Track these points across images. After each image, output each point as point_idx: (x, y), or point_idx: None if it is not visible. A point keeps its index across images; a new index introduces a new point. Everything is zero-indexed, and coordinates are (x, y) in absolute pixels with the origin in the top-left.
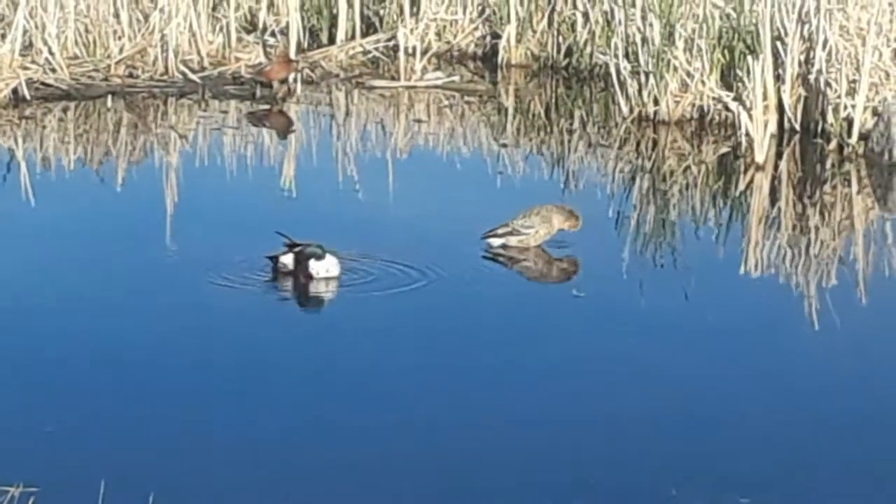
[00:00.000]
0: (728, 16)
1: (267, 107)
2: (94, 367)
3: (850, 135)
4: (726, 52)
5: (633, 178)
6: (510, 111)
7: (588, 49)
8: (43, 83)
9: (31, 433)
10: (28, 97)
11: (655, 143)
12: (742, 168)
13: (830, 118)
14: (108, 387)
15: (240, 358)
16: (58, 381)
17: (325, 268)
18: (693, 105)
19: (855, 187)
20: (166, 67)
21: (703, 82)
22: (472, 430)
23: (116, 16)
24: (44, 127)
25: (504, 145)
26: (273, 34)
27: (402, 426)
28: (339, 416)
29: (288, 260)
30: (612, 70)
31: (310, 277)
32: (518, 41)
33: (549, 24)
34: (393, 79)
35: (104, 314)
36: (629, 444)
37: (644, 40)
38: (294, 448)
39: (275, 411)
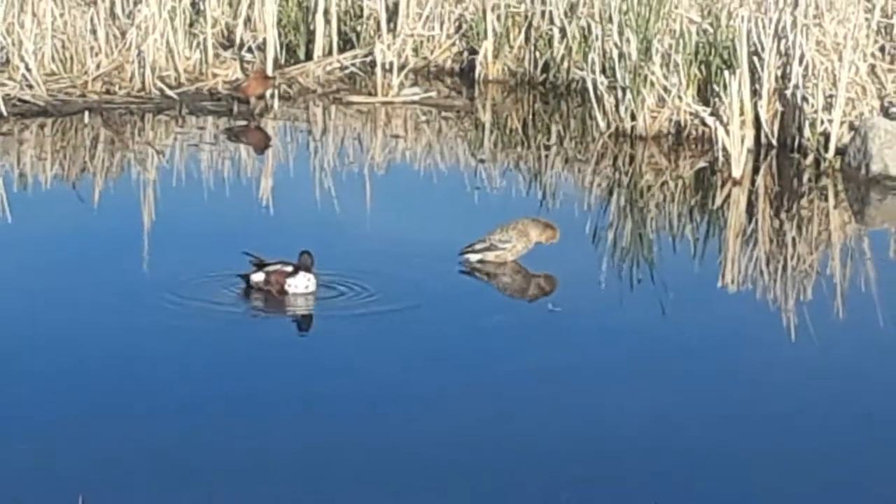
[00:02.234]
0: (705, 31)
1: (244, 123)
2: (67, 385)
3: (826, 149)
4: (703, 67)
5: (611, 193)
6: (487, 126)
7: (565, 64)
8: (20, 99)
9: (2, 449)
10: (5, 113)
11: (632, 158)
12: (719, 183)
13: (807, 133)
14: (81, 403)
15: (214, 377)
16: (30, 398)
17: (303, 283)
18: (670, 120)
19: (832, 202)
20: (143, 84)
21: (679, 97)
22: (447, 444)
23: (93, 32)
24: (21, 143)
25: (481, 161)
26: (250, 50)
27: (377, 439)
28: (318, 431)
29: (260, 278)
30: (590, 85)
31: (284, 293)
32: (495, 57)
33: (527, 39)
34: (370, 94)
35: (79, 331)
36: (604, 459)
37: (621, 56)
38: (269, 464)
39: (252, 429)
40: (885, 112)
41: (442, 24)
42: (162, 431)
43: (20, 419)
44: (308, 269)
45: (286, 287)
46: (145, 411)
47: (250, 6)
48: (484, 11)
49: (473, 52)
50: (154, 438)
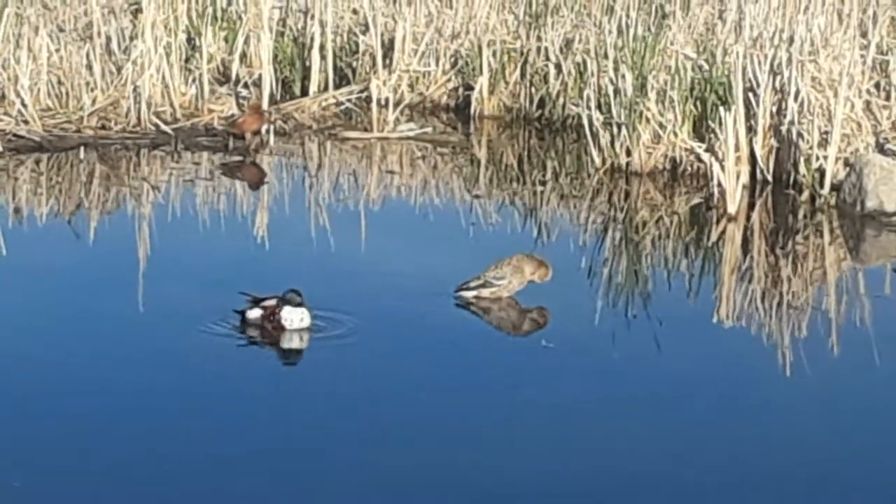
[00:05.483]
0: (700, 67)
1: (240, 158)
2: (62, 421)
3: (822, 186)
4: (698, 103)
5: (606, 229)
6: (483, 162)
7: (561, 100)
8: (15, 135)
9: None
10: (0, 149)
11: (628, 194)
12: (714, 219)
13: (802, 169)
14: (77, 440)
15: (210, 414)
16: (26, 435)
17: (298, 317)
18: (665, 156)
19: (827, 238)
20: (139, 119)
21: (675, 133)
22: (438, 480)
23: (89, 68)
24: (16, 179)
25: (477, 197)
26: (246, 86)
27: (369, 478)
28: (310, 469)
29: (255, 314)
30: (585, 121)
31: (282, 329)
32: (491, 93)
33: (522, 75)
34: (366, 130)
35: (75, 367)
36: (597, 495)
37: (616, 92)
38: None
39: (248, 467)
40: (881, 148)
41: (437, 59)
42: (159, 465)
43: (16, 455)
44: (298, 304)
45: (283, 322)
46: (141, 446)
47: (246, 42)
48: (479, 47)
49: (469, 87)
50: (148, 473)
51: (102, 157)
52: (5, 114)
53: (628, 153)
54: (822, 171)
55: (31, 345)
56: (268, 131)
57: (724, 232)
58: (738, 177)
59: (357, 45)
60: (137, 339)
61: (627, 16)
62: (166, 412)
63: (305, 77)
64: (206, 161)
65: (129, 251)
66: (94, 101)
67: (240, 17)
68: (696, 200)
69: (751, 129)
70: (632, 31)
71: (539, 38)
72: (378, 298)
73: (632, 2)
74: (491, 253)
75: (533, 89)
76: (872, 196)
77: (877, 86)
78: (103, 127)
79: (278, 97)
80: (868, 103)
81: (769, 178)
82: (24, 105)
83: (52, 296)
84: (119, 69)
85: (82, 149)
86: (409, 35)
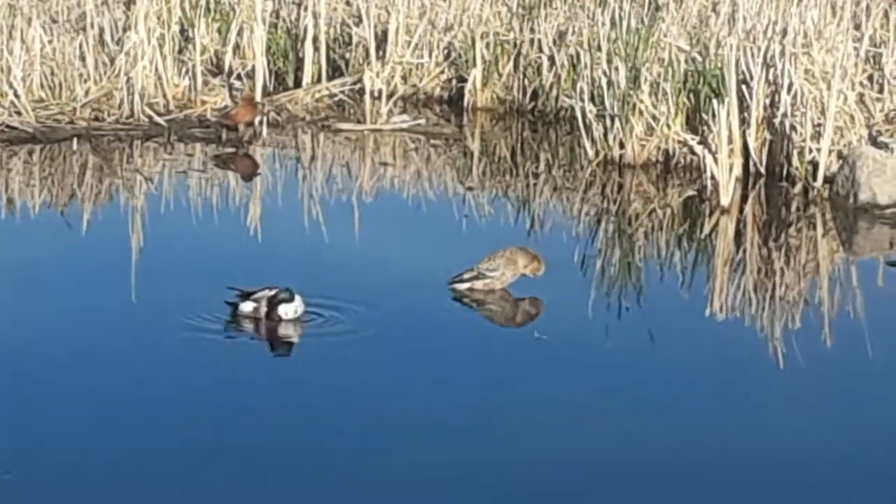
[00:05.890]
0: (693, 60)
1: (233, 150)
2: (55, 413)
3: (815, 178)
4: (692, 95)
5: (599, 222)
6: (476, 154)
7: (554, 92)
8: (8, 126)
9: None
10: None
11: (621, 186)
12: (707, 211)
13: (796, 162)
14: (69, 433)
15: (203, 405)
16: (18, 427)
17: (293, 309)
18: (658, 148)
19: (820, 230)
20: (132, 110)
21: (668, 126)
22: (432, 473)
23: (82, 59)
24: (9, 170)
25: (470, 188)
26: (239, 77)
27: (364, 469)
28: (305, 460)
29: (247, 306)
30: (578, 113)
31: (279, 319)
32: (484, 85)
33: (515, 67)
34: (359, 122)
35: (68, 359)
36: (589, 487)
37: (610, 84)
38: (257, 495)
39: (244, 458)
40: (874, 141)
41: (431, 51)
42: (151, 459)
43: (6, 447)
44: (289, 300)
45: (279, 312)
46: (134, 438)
47: (239, 33)
48: (473, 39)
49: (462, 79)
50: (141, 466)
51: (95, 148)
52: None
53: (621, 145)
54: (815, 164)
55: (22, 336)
56: (261, 123)
57: (717, 224)
58: (731, 169)
59: (350, 36)
60: (129, 330)
61: (621, 8)
62: (158, 403)
63: (298, 68)
64: (199, 152)
65: (122, 243)
66: (87, 93)
67: (233, 9)
68: (689, 193)
69: (744, 122)
70: (625, 23)
71: (532, 30)
72: (371, 290)
73: None
74: (484, 245)
75: (526, 81)
76: (865, 188)
77: (870, 78)
78: (96, 118)
79: (271, 89)
80: (861, 96)
81: (762, 170)
82: (16, 96)
83: (44, 287)
84: (112, 60)
85: (75, 140)
86: (403, 27)
